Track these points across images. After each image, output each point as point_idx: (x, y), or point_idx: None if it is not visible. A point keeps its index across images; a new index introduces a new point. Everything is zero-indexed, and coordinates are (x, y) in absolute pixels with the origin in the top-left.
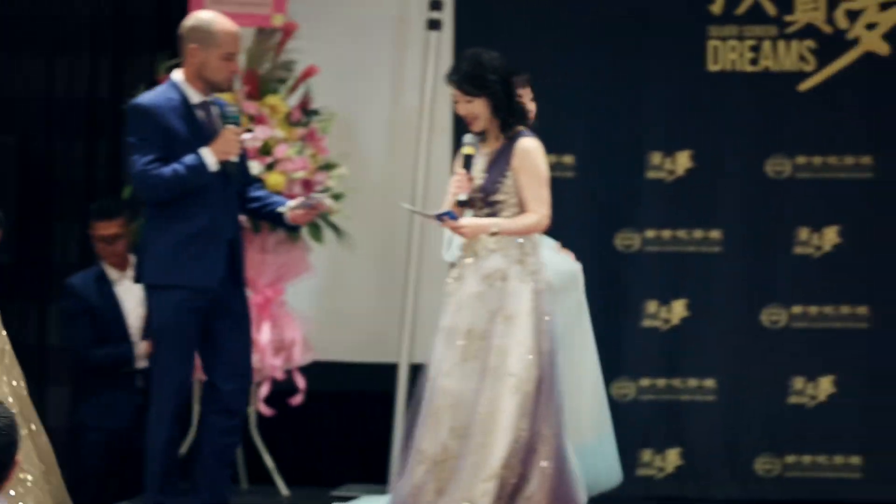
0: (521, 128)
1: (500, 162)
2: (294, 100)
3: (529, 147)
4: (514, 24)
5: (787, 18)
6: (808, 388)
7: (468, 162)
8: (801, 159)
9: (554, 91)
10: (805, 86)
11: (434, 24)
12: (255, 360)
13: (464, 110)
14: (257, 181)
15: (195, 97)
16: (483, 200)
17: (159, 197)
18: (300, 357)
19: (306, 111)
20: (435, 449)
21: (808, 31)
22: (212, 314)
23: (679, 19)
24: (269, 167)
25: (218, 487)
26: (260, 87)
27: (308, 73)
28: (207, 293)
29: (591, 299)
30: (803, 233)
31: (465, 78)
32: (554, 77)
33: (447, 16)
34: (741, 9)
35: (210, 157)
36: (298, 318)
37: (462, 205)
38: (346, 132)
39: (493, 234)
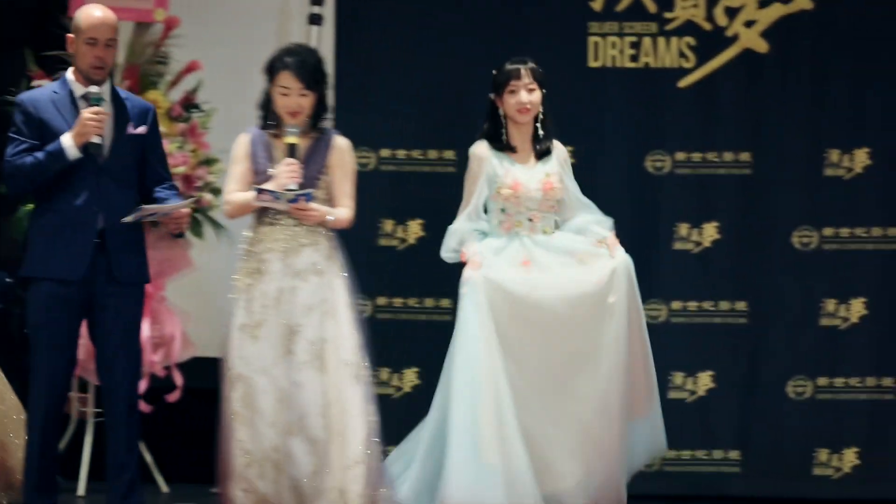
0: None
1: (317, 158)
2: (176, 95)
3: (345, 145)
4: (394, 19)
5: (668, 15)
6: (688, 384)
7: (293, 152)
8: (680, 155)
9: (434, 87)
10: (685, 82)
11: (315, 19)
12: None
13: (294, 103)
14: (168, 180)
15: (79, 90)
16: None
17: (21, 186)
18: (179, 353)
19: (187, 106)
20: (263, 449)
21: (688, 27)
22: (88, 309)
23: (560, 15)
24: None
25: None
26: (140, 82)
27: (190, 69)
28: (72, 286)
29: None
30: (682, 228)
31: (312, 71)
32: (435, 73)
33: (328, 11)
34: (621, 5)
35: (68, 140)
36: (178, 314)
37: (278, 196)
38: (227, 127)
39: (326, 224)
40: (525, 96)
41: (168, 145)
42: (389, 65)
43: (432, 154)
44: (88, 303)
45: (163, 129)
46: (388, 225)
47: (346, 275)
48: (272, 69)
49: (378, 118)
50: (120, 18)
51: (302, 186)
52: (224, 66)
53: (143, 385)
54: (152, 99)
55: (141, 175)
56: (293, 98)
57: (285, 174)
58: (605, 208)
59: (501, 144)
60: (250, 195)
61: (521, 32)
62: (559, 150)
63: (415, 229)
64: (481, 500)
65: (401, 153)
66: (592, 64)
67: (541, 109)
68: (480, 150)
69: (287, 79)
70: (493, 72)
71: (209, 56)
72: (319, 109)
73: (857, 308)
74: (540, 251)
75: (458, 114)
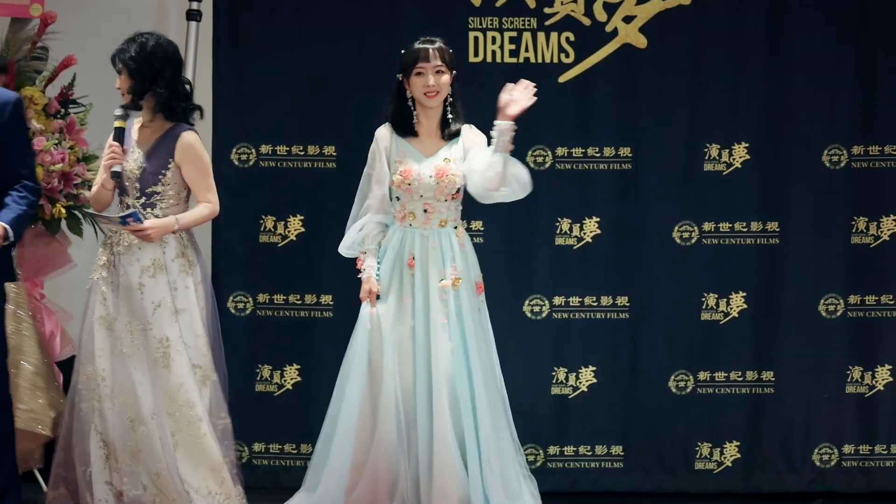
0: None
1: (161, 153)
2: (53, 91)
3: (191, 139)
4: (273, 14)
5: (547, 10)
6: (570, 379)
7: (119, 135)
8: (560, 150)
9: (314, 82)
10: (565, 77)
11: (193, 15)
12: None
13: (122, 85)
14: (27, 179)
15: None
16: (140, 191)
17: None
18: (59, 352)
19: (64, 102)
20: (102, 447)
21: (568, 23)
22: None
23: (440, 10)
24: None
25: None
26: (16, 78)
27: (66, 64)
28: None
29: None
30: (564, 224)
31: (132, 56)
32: (315, 68)
33: (206, 6)
34: (501, 0)
35: None
36: (58, 312)
37: (116, 177)
38: (106, 123)
39: (175, 231)
40: (432, 79)
41: (45, 142)
42: (268, 60)
43: (312, 150)
44: None
45: (40, 125)
46: (269, 221)
47: (200, 273)
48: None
49: (257, 114)
50: None
51: (142, 186)
52: (102, 61)
53: None
54: (28, 95)
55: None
56: (120, 80)
57: (107, 157)
58: (485, 205)
59: (405, 129)
60: (94, 190)
61: (401, 27)
62: (470, 135)
63: (295, 225)
64: None
65: (281, 149)
66: (473, 59)
67: (450, 92)
68: (380, 134)
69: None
70: (402, 52)
71: (86, 51)
72: (161, 99)
73: (736, 302)
74: (424, 253)
75: (338, 109)
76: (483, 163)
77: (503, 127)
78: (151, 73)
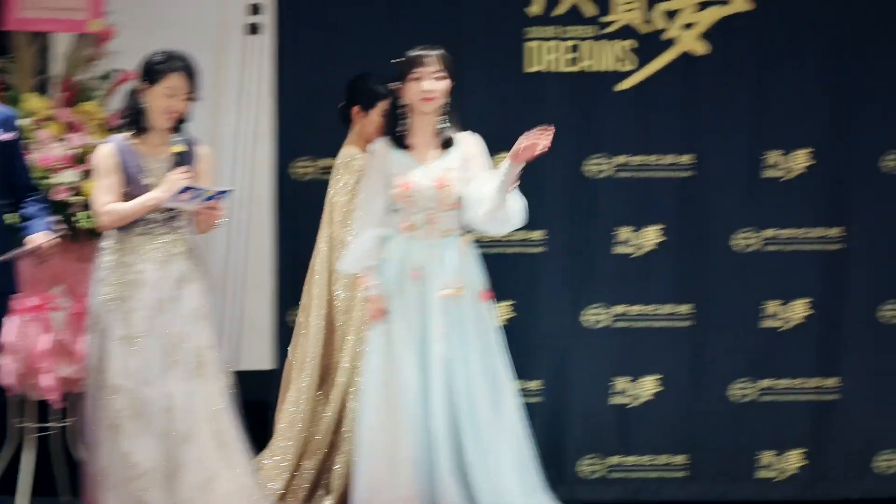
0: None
1: (189, 164)
2: (112, 106)
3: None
4: (334, 29)
5: (605, 19)
6: (632, 388)
7: (183, 159)
8: (620, 158)
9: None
10: (623, 85)
11: (254, 29)
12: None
13: (183, 105)
14: (36, 190)
15: None
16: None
17: None
18: None
19: None
20: (155, 460)
21: (626, 31)
22: None
23: (496, 21)
24: (86, 174)
25: None
26: (77, 94)
27: (125, 79)
28: None
29: None
30: (623, 232)
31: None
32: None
33: (267, 20)
34: (559, 10)
35: None
36: None
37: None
38: None
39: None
40: (429, 84)
41: None
42: (329, 73)
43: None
44: None
45: (98, 140)
46: None
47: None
48: (157, 72)
49: (318, 127)
50: (54, 30)
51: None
52: None
53: None
54: (86, 110)
55: (10, 182)
56: (179, 101)
57: (183, 178)
58: (545, 213)
59: (401, 140)
60: (136, 203)
61: (459, 38)
62: (467, 143)
63: None
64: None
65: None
66: (528, 69)
67: (447, 100)
68: (377, 147)
69: (177, 80)
70: (396, 61)
71: None
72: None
73: (799, 309)
74: (429, 263)
75: None
76: (478, 196)
77: (513, 169)
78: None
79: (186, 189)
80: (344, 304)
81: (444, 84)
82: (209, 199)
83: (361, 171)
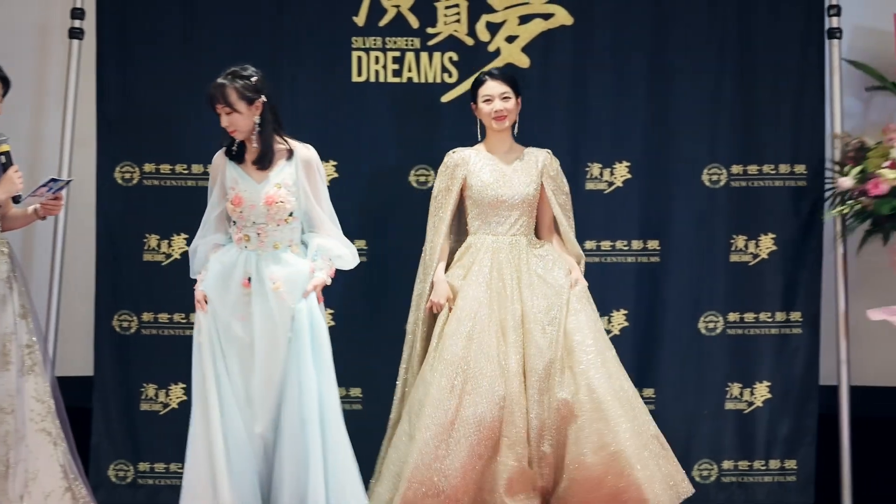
0: None
1: None
2: None
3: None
4: (158, 33)
5: (430, 30)
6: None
7: (11, 159)
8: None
9: (198, 101)
10: (448, 97)
11: (76, 34)
12: None
13: None
14: None
15: None
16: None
17: None
18: None
19: None
20: None
21: (451, 42)
22: None
23: (324, 30)
24: None
25: None
26: None
27: None
28: None
29: None
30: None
31: None
32: (200, 88)
33: (89, 25)
34: (384, 20)
35: None
36: None
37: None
38: None
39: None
40: (225, 118)
41: None
42: (152, 78)
43: (196, 168)
44: None
45: None
46: (153, 240)
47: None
48: None
49: (140, 132)
50: None
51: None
52: None
53: None
54: None
55: None
56: None
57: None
58: (370, 223)
59: (237, 154)
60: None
61: (285, 47)
62: (305, 158)
63: (179, 244)
64: None
65: (164, 167)
66: (356, 79)
67: (259, 121)
68: (215, 159)
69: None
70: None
71: None
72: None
73: (618, 319)
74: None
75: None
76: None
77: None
78: None
79: (48, 182)
80: None
81: (251, 108)
82: (59, 189)
83: None
